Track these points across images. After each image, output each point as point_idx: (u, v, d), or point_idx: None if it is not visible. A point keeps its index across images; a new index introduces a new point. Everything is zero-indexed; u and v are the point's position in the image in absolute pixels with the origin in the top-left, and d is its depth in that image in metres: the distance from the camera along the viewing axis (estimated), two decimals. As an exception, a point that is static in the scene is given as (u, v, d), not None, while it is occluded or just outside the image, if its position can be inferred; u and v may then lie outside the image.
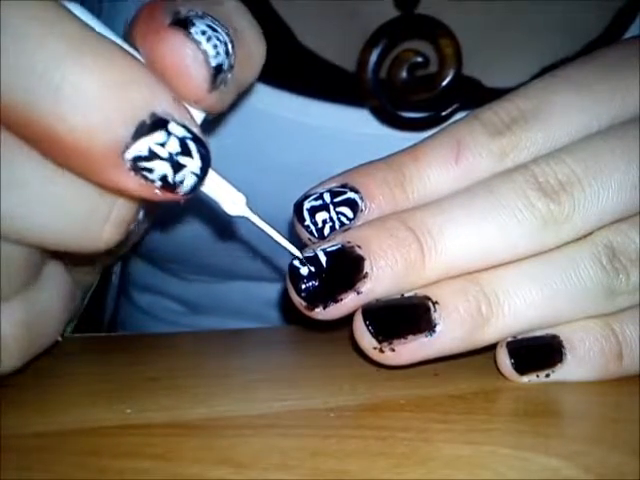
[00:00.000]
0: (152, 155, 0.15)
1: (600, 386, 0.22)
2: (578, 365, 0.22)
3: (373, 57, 0.30)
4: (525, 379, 0.22)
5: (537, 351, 0.22)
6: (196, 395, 0.21)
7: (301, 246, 0.21)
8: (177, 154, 0.16)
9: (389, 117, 0.31)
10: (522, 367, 0.22)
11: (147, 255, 0.43)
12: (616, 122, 0.21)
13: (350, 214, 0.21)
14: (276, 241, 0.21)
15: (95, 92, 0.14)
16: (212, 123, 0.18)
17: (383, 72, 0.30)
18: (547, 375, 0.22)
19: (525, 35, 0.31)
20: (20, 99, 0.14)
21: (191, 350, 0.27)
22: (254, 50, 0.20)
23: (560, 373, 0.22)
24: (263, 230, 0.20)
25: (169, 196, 0.16)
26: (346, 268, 0.20)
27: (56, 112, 0.14)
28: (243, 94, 0.21)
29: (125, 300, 0.50)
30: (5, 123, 0.15)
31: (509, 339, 0.22)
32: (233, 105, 0.20)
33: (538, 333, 0.22)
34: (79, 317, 0.30)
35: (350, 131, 0.32)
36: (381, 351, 0.21)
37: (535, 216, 0.20)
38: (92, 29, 0.15)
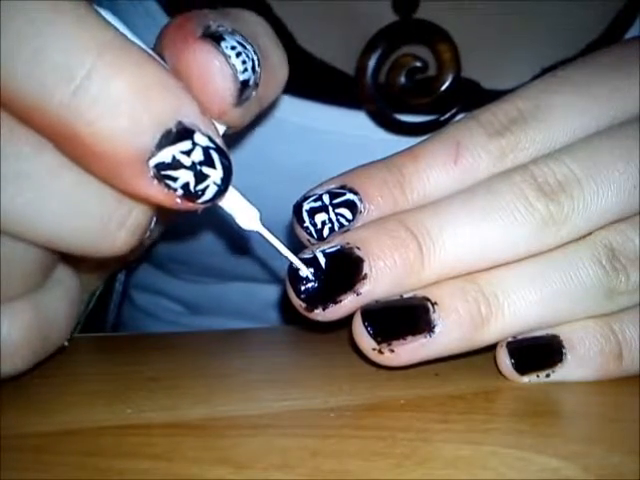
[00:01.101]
0: (176, 163, 0.15)
1: (600, 386, 0.22)
2: (578, 365, 0.22)
3: (371, 62, 0.30)
4: (525, 379, 0.22)
5: (537, 351, 0.22)
6: (196, 395, 0.21)
7: (300, 247, 0.22)
8: (200, 164, 0.15)
9: (388, 121, 0.31)
10: (522, 367, 0.22)
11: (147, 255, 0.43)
12: (615, 122, 0.22)
13: (349, 215, 0.21)
14: (286, 257, 0.21)
15: (122, 94, 0.14)
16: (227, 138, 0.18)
17: (382, 77, 0.30)
18: (547, 375, 0.22)
19: (525, 36, 0.31)
20: (31, 87, 0.13)
21: (191, 350, 0.27)
22: (278, 69, 0.20)
23: (560, 373, 0.22)
24: (274, 246, 0.20)
25: (189, 205, 0.16)
26: (345, 269, 0.20)
27: (74, 108, 0.14)
28: (263, 112, 0.21)
29: (125, 300, 0.50)
30: (19, 114, 0.14)
31: (509, 339, 0.22)
32: (252, 123, 0.20)
33: (538, 333, 0.22)
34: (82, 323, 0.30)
35: (354, 134, 0.32)
36: (380, 352, 0.21)
37: (534, 216, 0.20)
38: (123, 34, 0.14)
